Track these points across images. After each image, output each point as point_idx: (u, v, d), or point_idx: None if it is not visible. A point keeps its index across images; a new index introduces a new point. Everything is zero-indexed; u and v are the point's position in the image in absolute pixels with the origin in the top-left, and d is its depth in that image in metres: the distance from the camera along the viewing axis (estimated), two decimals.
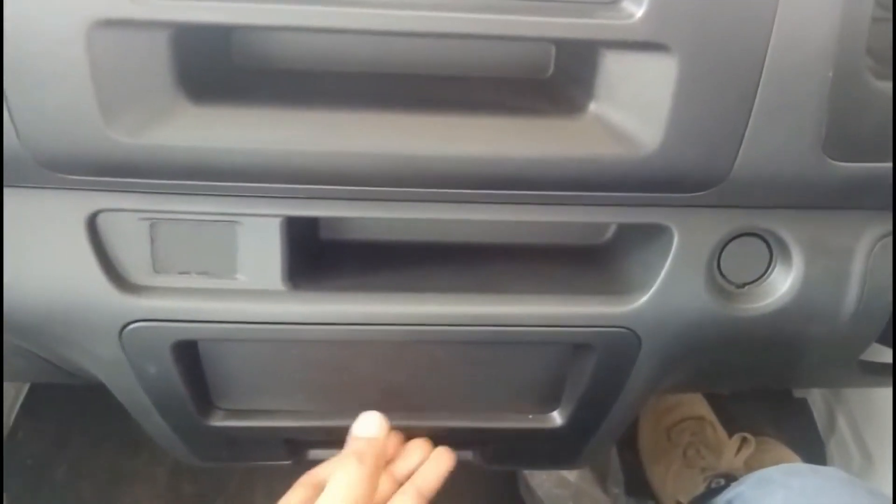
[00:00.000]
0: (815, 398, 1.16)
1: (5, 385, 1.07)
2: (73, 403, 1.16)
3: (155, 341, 0.42)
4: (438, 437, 0.53)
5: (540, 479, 0.94)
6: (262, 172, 0.36)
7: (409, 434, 0.52)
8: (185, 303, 0.41)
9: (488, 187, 0.38)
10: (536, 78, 0.41)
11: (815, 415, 1.17)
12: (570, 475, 0.93)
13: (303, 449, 0.53)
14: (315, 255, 0.45)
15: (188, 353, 0.44)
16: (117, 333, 0.41)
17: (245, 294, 0.41)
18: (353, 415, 0.49)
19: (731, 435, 1.03)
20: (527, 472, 0.94)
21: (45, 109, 0.34)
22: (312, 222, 0.46)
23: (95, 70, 0.33)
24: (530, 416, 0.50)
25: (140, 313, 0.41)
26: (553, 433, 0.51)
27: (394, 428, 0.51)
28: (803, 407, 1.16)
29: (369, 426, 0.46)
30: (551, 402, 0.50)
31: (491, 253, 0.47)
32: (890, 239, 0.43)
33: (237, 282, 0.41)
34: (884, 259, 0.43)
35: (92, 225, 0.39)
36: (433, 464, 0.50)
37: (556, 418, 0.50)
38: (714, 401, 1.11)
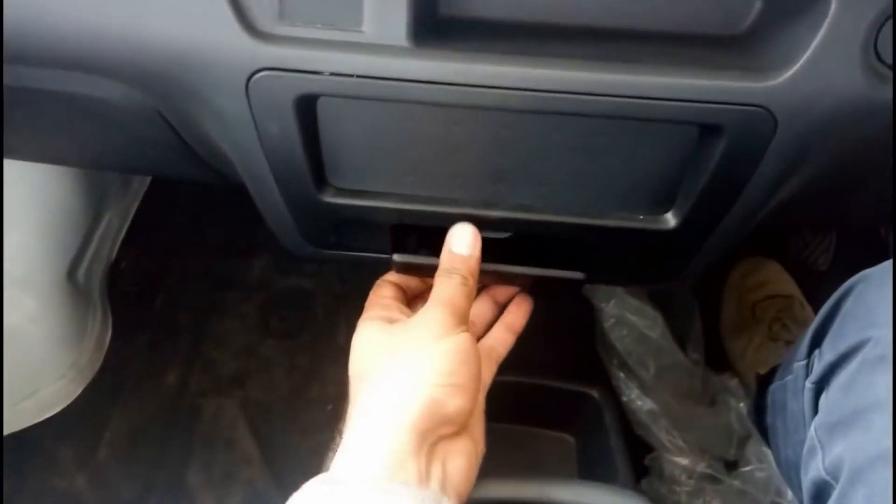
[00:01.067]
0: None
1: (109, 217, 1.13)
2: (169, 242, 1.22)
3: (279, 93, 0.42)
4: (543, 234, 0.52)
5: (620, 334, 0.94)
6: None
7: (512, 227, 0.52)
8: (310, 53, 0.41)
9: None
10: None
11: None
12: (653, 332, 0.92)
13: (406, 243, 0.54)
14: (435, 28, 0.44)
15: (309, 113, 0.44)
16: (244, 83, 0.42)
17: (369, 48, 0.41)
18: (458, 204, 0.50)
19: None
20: (607, 326, 0.95)
21: None
22: None
23: None
24: (641, 217, 0.49)
25: (267, 61, 0.41)
26: (663, 237, 0.49)
27: (500, 221, 0.51)
28: None
29: (463, 243, 0.49)
30: (665, 204, 0.49)
31: (618, 36, 0.44)
32: None
33: (362, 34, 0.41)
34: None
35: None
36: (518, 304, 0.56)
37: (670, 219, 0.49)
38: (808, 278, 1.07)
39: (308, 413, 1.03)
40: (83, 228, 1.06)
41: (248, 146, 0.46)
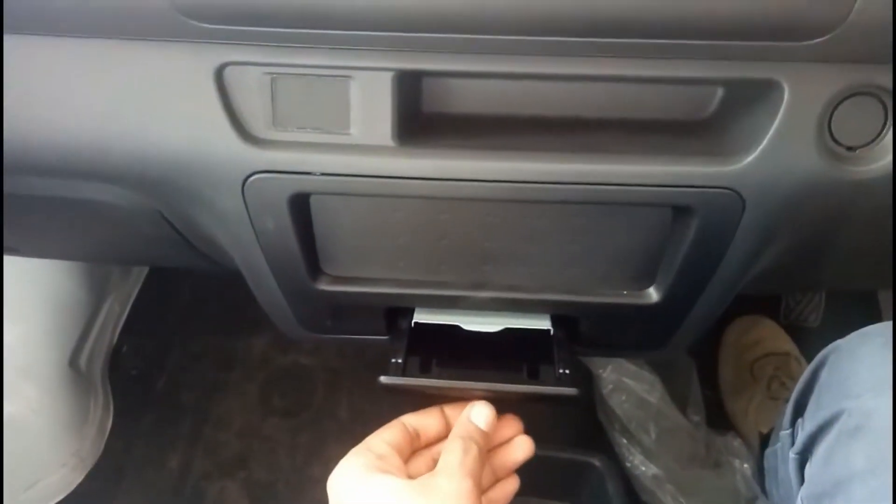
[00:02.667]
0: None
1: (110, 303, 1.15)
2: (170, 324, 1.24)
3: (273, 193, 0.44)
4: (532, 311, 0.54)
5: (619, 400, 0.94)
6: (373, 16, 0.38)
7: (502, 306, 0.53)
8: (301, 156, 0.43)
9: (590, 33, 0.38)
10: None
11: None
12: (652, 396, 0.93)
13: (401, 324, 0.55)
14: (419, 125, 0.47)
15: (302, 210, 0.46)
16: (240, 185, 0.44)
17: (357, 149, 0.43)
18: (449, 286, 0.52)
19: None
20: (605, 392, 0.95)
21: None
22: (416, 92, 0.47)
23: None
24: (625, 292, 0.51)
25: (262, 164, 0.44)
26: (648, 310, 0.51)
27: (489, 300, 0.52)
28: None
29: (482, 416, 0.49)
30: (647, 279, 0.51)
31: (591, 126, 0.47)
32: None
33: (350, 137, 0.43)
34: None
35: (220, 78, 0.42)
36: (513, 449, 0.52)
37: (653, 294, 0.51)
38: (801, 335, 1.09)
39: (311, 492, 1.02)
40: (84, 316, 1.07)
41: (245, 241, 0.48)
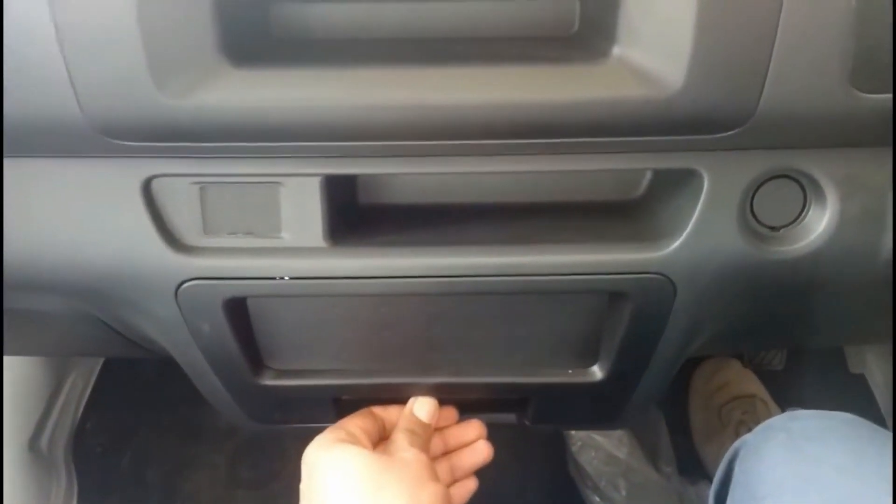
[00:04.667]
0: (874, 372, 1.12)
1: (73, 379, 1.13)
2: (135, 397, 1.21)
3: (207, 299, 0.44)
4: (480, 394, 0.54)
5: (589, 457, 0.94)
6: (300, 129, 0.39)
7: (451, 391, 0.53)
8: (234, 261, 0.43)
9: (517, 136, 0.39)
10: (561, 35, 0.42)
11: (875, 392, 1.13)
12: (620, 452, 0.93)
13: (349, 410, 0.55)
14: (354, 218, 0.47)
15: (239, 311, 0.46)
16: (173, 292, 0.44)
17: (289, 251, 0.43)
18: (395, 373, 0.51)
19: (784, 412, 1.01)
20: (575, 449, 0.95)
21: (103, 79, 0.36)
22: (351, 186, 0.48)
23: (146, 37, 0.35)
24: (570, 371, 0.51)
25: (193, 272, 0.43)
26: (594, 388, 0.51)
27: (437, 385, 0.52)
28: (861, 383, 1.13)
29: (424, 410, 0.53)
30: (591, 357, 0.51)
31: (525, 212, 0.48)
32: None
33: (281, 240, 0.44)
34: None
35: (147, 190, 0.42)
36: (473, 452, 0.57)
37: (597, 372, 0.51)
38: (766, 378, 1.09)
39: None
40: (45, 395, 1.05)
41: (183, 343, 0.48)
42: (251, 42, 0.39)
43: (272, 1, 0.40)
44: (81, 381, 1.16)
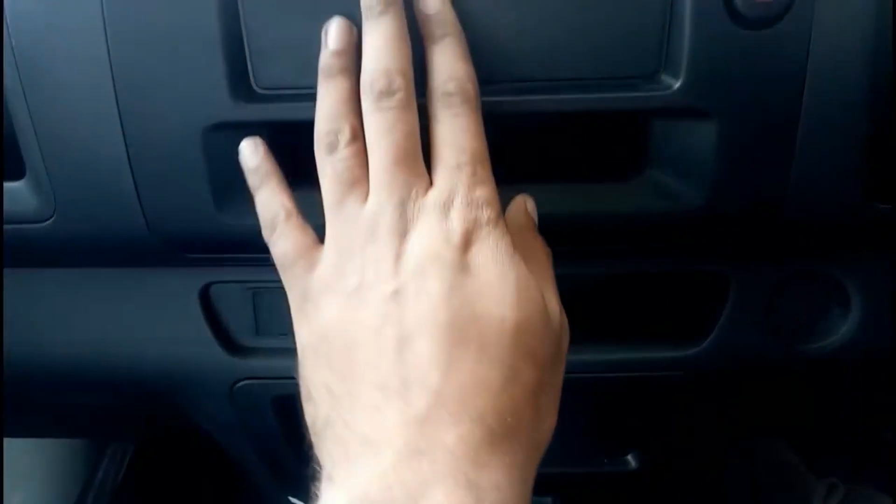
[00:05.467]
0: None
1: (106, 464, 1.14)
2: (169, 483, 1.21)
3: (259, 397, 0.47)
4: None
5: None
6: None
7: None
8: (284, 361, 0.46)
9: (551, 243, 0.42)
10: (598, 138, 0.44)
11: None
12: None
13: None
14: None
15: (288, 407, 0.48)
16: (227, 392, 0.47)
17: None
18: None
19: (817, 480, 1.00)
20: None
21: (170, 202, 0.40)
22: None
23: (210, 165, 0.39)
24: (605, 461, 0.53)
25: (247, 372, 0.46)
26: (630, 477, 0.53)
27: None
28: None
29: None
30: (625, 448, 0.52)
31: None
32: None
33: None
34: None
35: (205, 296, 0.45)
36: None
37: (631, 461, 0.52)
38: (798, 444, 1.08)
39: None
40: (80, 480, 1.07)
41: (236, 439, 0.50)
42: (303, 165, 0.42)
43: None
44: (114, 467, 1.18)
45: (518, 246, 0.33)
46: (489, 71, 0.36)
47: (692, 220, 0.39)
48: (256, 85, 0.37)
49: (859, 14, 0.36)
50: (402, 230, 0.32)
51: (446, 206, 0.32)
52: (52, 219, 0.41)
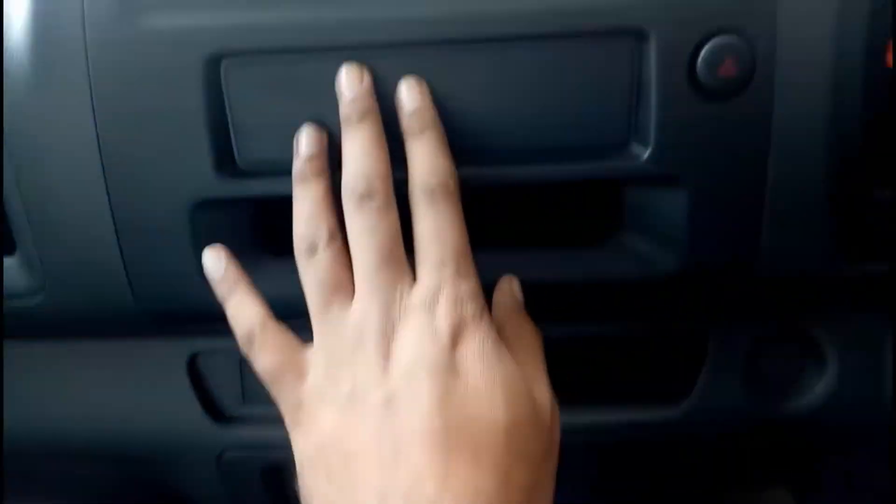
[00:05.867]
0: None
1: None
2: None
3: (247, 468, 0.47)
4: None
5: None
6: None
7: None
8: (272, 430, 0.46)
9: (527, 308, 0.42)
10: (571, 204, 0.46)
11: None
12: None
13: None
14: None
15: (277, 479, 0.48)
16: (214, 461, 0.47)
17: None
18: None
19: None
20: None
21: (157, 275, 0.41)
22: None
23: (196, 240, 0.39)
24: None
25: (234, 441, 0.46)
26: None
27: None
28: None
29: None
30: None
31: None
32: None
33: None
34: None
35: (192, 365, 0.46)
36: None
37: None
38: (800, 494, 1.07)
39: None
40: None
41: None
42: (288, 233, 0.43)
43: None
44: None
45: (508, 332, 0.34)
46: (466, 143, 0.38)
47: (667, 283, 0.40)
48: (240, 161, 0.39)
49: (819, 83, 0.38)
50: (390, 332, 0.32)
51: (432, 305, 0.32)
52: (42, 294, 0.42)
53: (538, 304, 0.42)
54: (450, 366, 0.31)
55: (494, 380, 0.31)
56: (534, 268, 0.41)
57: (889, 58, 0.43)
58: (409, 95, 0.35)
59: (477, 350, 0.32)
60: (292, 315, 0.43)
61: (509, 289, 0.38)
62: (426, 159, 0.35)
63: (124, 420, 0.47)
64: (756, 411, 0.45)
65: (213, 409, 0.46)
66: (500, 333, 0.34)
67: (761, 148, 0.38)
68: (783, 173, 0.38)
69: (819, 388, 0.45)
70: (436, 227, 0.33)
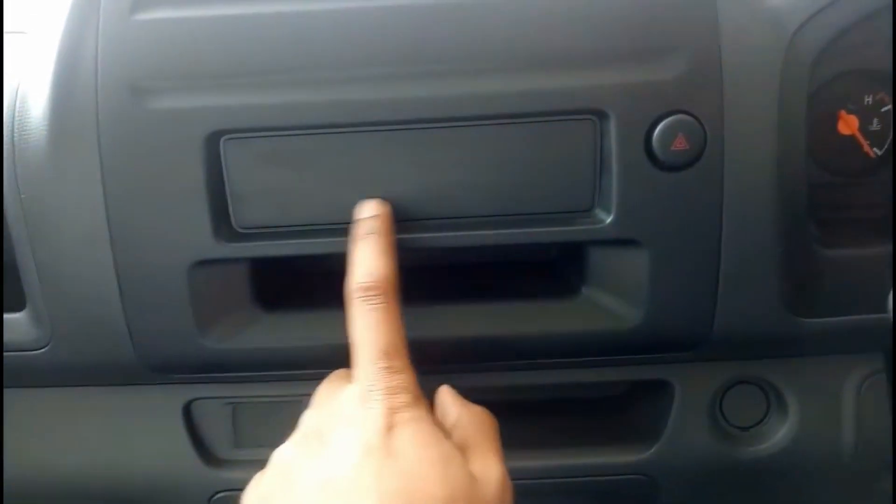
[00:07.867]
0: None
1: None
2: None
3: None
4: None
5: None
6: (324, 359, 0.45)
7: None
8: None
9: (501, 359, 0.45)
10: (541, 261, 0.49)
11: None
12: None
13: None
14: None
15: None
16: (206, 503, 0.49)
17: None
18: None
19: None
20: None
21: (156, 330, 0.44)
22: None
23: (194, 297, 0.43)
24: None
25: (225, 484, 0.49)
26: None
27: None
28: None
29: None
30: None
31: (510, 412, 0.53)
32: (879, 377, 0.48)
33: None
34: (875, 396, 0.48)
35: (187, 411, 0.48)
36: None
37: None
38: None
39: None
40: None
41: None
42: (279, 282, 0.47)
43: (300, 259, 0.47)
44: None
45: (456, 419, 0.37)
46: (446, 210, 0.41)
47: (630, 336, 0.43)
48: (237, 225, 0.42)
49: (766, 154, 0.41)
50: (333, 424, 0.36)
51: (367, 399, 0.35)
52: (49, 346, 0.45)
53: (510, 353, 0.45)
54: (385, 448, 0.33)
55: (430, 459, 0.33)
56: (498, 321, 0.44)
57: (840, 126, 0.47)
58: (364, 207, 0.41)
59: (410, 434, 0.34)
60: (283, 367, 0.46)
61: (449, 390, 0.40)
62: (364, 260, 0.38)
63: (120, 463, 0.49)
64: (723, 455, 0.48)
65: (206, 454, 0.49)
66: (447, 420, 0.37)
67: (714, 214, 0.41)
68: (736, 235, 0.42)
69: (781, 432, 0.48)
70: (369, 326, 0.36)
